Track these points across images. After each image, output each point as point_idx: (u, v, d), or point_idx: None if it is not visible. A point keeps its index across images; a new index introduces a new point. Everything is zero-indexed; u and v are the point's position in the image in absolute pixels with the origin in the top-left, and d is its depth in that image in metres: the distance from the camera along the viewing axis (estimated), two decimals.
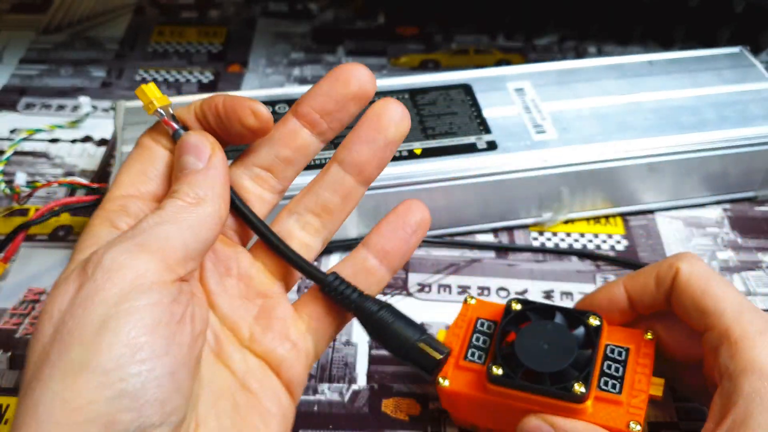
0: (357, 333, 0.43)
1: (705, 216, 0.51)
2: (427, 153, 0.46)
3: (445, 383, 0.35)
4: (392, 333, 0.31)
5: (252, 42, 0.67)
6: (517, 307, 0.36)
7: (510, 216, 0.48)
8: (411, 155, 0.46)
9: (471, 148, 0.46)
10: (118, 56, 0.65)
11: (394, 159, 0.45)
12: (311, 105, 0.31)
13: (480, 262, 0.47)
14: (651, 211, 0.51)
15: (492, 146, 0.46)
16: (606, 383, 0.33)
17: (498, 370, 0.33)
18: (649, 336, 0.35)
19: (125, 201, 0.29)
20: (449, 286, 0.46)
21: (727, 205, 0.51)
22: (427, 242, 0.48)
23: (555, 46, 0.66)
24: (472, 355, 0.35)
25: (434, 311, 0.44)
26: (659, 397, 0.34)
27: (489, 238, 0.49)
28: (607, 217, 0.50)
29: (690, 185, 0.49)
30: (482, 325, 0.36)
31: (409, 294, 0.45)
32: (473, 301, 0.38)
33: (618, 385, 0.33)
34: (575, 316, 0.35)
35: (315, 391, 0.40)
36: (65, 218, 0.49)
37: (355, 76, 0.30)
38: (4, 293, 0.45)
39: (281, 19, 0.70)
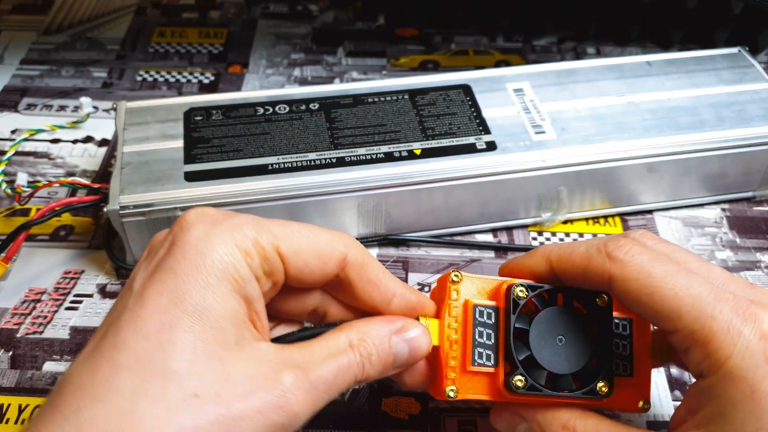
0: None
1: (703, 216, 0.51)
2: (427, 153, 0.46)
3: (454, 394, 0.31)
4: None
5: (252, 43, 0.67)
6: (523, 294, 0.31)
7: (509, 216, 0.49)
8: (411, 155, 0.46)
9: (470, 149, 0.46)
10: (119, 57, 0.65)
11: (394, 159, 0.45)
12: None
13: (479, 262, 0.47)
14: (650, 211, 0.51)
15: (491, 146, 0.47)
16: (617, 366, 0.32)
17: (520, 382, 0.30)
18: None
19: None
20: None
21: (726, 205, 0.51)
22: (427, 242, 0.48)
23: (554, 47, 0.66)
24: (480, 356, 0.31)
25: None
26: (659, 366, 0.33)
27: (488, 238, 0.49)
28: (605, 217, 0.50)
29: (688, 185, 0.50)
30: (481, 314, 0.31)
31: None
32: (457, 277, 0.32)
33: (629, 367, 0.32)
34: (582, 295, 0.32)
35: None
36: (66, 218, 0.50)
37: None
38: (5, 293, 0.45)
39: (282, 20, 0.70)
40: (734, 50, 0.55)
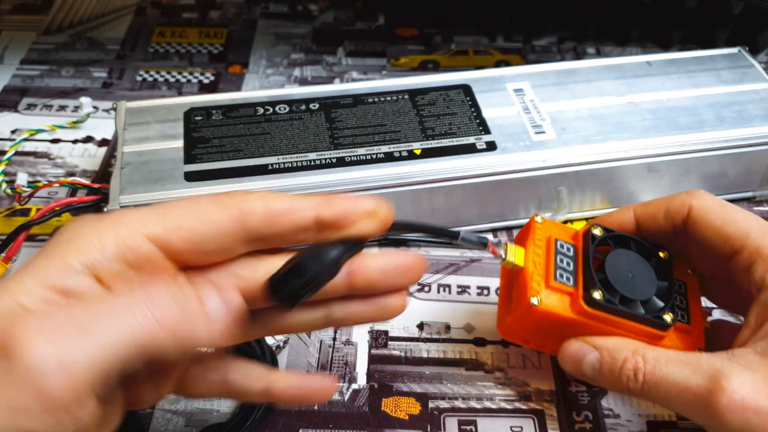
0: (357, 333, 0.43)
1: None
2: (427, 153, 0.46)
3: (537, 302, 0.34)
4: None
5: (252, 43, 0.67)
6: (600, 233, 0.36)
7: (509, 216, 0.49)
8: (411, 155, 0.46)
9: (470, 149, 0.46)
10: (119, 57, 0.65)
11: (394, 159, 0.45)
12: None
13: (479, 262, 0.47)
14: None
15: (491, 146, 0.47)
16: (676, 313, 0.36)
17: (599, 294, 0.34)
18: (691, 271, 0.38)
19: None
20: (449, 286, 0.46)
21: None
22: (427, 242, 0.48)
23: (554, 47, 0.66)
24: (561, 276, 0.35)
25: (434, 311, 0.45)
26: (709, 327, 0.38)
27: (488, 237, 0.49)
28: None
29: (688, 185, 0.49)
30: (562, 247, 0.36)
31: (409, 293, 0.46)
32: (540, 220, 0.38)
33: (686, 316, 0.36)
34: (647, 247, 0.37)
35: None
36: (66, 218, 0.49)
37: None
38: None
39: (281, 20, 0.70)
40: (734, 50, 0.55)
